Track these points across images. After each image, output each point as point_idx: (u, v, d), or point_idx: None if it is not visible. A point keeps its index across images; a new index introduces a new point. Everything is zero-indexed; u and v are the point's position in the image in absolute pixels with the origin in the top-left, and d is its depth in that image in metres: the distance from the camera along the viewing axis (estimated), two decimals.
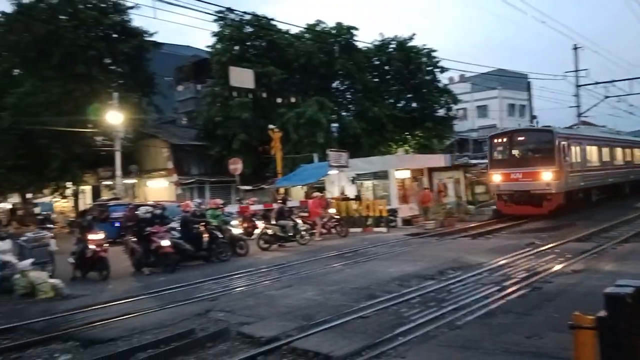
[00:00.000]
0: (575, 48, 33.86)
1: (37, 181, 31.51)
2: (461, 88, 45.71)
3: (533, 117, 31.18)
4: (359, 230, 18.39)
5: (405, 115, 35.35)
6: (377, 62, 36.28)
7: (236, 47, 32.57)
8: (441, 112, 36.57)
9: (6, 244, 11.28)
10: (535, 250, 11.79)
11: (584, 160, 21.59)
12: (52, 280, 10.03)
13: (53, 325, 7.48)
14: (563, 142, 19.39)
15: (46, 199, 35.43)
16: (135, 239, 12.46)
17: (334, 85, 36.33)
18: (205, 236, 13.08)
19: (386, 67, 36.27)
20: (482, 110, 51.43)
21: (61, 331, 7.08)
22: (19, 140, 28.59)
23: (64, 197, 33.73)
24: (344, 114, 34.90)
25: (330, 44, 33.16)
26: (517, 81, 43.71)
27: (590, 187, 22.31)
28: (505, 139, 20.45)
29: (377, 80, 36.37)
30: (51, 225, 17.40)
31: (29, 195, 35.83)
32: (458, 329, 6.23)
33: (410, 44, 35.30)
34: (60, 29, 28.74)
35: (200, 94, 39.37)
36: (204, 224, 13.32)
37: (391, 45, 35.71)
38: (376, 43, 35.54)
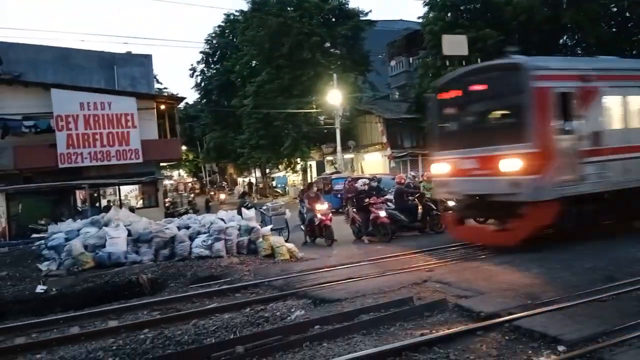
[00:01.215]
0: None
1: (274, 158, 36.36)
2: None
3: None
4: None
5: None
6: (614, 9, 30.94)
7: (448, 14, 31.52)
8: None
9: (252, 212, 13.30)
10: None
11: (625, 127, 10.11)
12: (287, 245, 11.46)
13: (289, 283, 8.51)
14: (556, 89, 9.26)
15: (280, 174, 40.55)
16: (355, 210, 13.34)
17: (561, 41, 32.33)
18: (420, 208, 13.23)
19: (626, 14, 30.67)
20: None
21: (296, 289, 8.02)
22: (259, 122, 33.34)
23: (295, 171, 38.16)
24: None
25: None
26: None
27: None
28: (456, 92, 10.94)
29: (614, 30, 31.07)
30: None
31: (266, 171, 41.58)
32: None
33: None
34: (288, 19, 32.03)
35: (412, 67, 39.49)
36: (418, 195, 13.49)
37: None
38: None
